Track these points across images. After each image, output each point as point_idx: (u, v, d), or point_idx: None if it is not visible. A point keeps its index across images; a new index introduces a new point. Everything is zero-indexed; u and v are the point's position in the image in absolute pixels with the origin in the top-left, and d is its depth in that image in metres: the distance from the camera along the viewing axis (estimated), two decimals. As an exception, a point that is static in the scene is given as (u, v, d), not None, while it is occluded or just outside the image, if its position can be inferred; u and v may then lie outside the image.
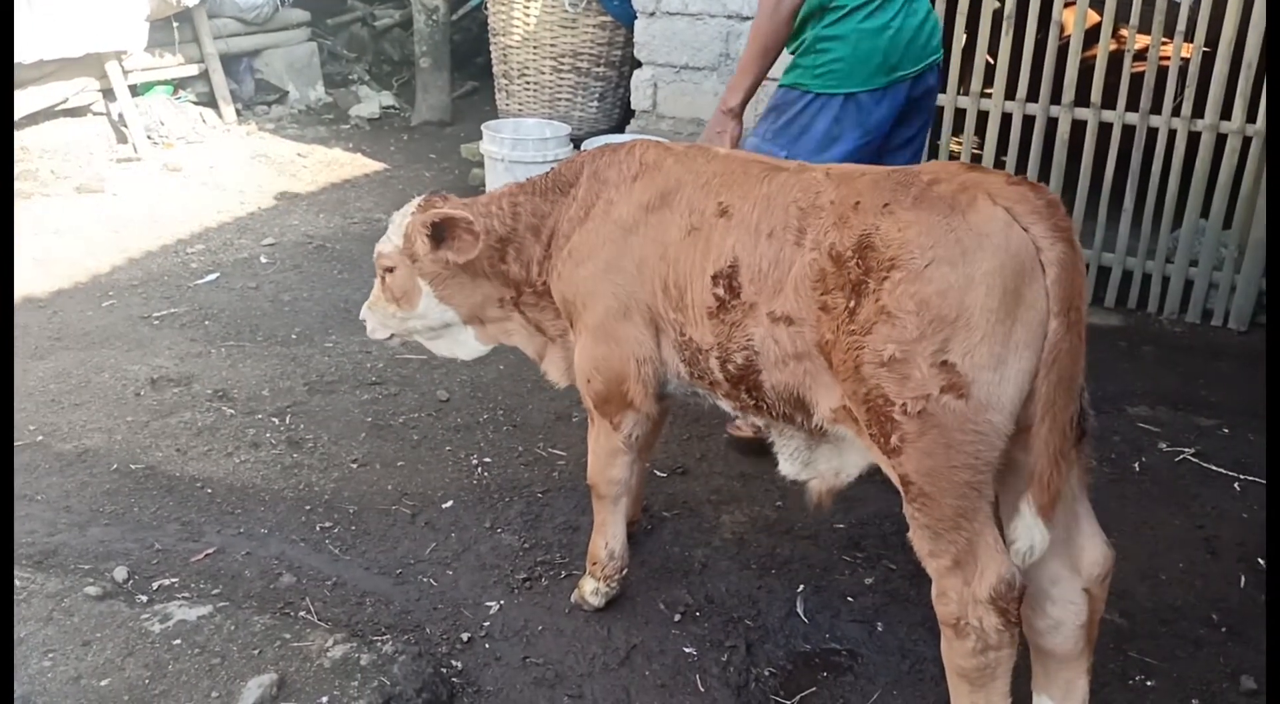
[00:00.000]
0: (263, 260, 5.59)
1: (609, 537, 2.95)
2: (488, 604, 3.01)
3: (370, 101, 8.70)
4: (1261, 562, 3.24)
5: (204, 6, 7.69)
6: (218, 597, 2.97)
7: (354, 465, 3.71)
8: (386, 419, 4.02)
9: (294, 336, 4.71)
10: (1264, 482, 3.65)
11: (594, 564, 2.97)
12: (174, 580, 3.05)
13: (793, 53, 3.50)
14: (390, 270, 2.96)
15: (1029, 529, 2.15)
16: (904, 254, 2.11)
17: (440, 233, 2.81)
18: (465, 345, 3.12)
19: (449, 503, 3.50)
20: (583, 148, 2.96)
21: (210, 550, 3.20)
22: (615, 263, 2.63)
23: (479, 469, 3.70)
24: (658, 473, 3.65)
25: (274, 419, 3.99)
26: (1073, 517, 2.35)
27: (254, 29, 8.23)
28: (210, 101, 7.93)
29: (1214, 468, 3.75)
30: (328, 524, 3.37)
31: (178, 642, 2.69)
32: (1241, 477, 3.69)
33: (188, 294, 5.13)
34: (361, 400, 4.15)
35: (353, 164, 7.38)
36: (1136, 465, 3.77)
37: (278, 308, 5.01)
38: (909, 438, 2.14)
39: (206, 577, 3.08)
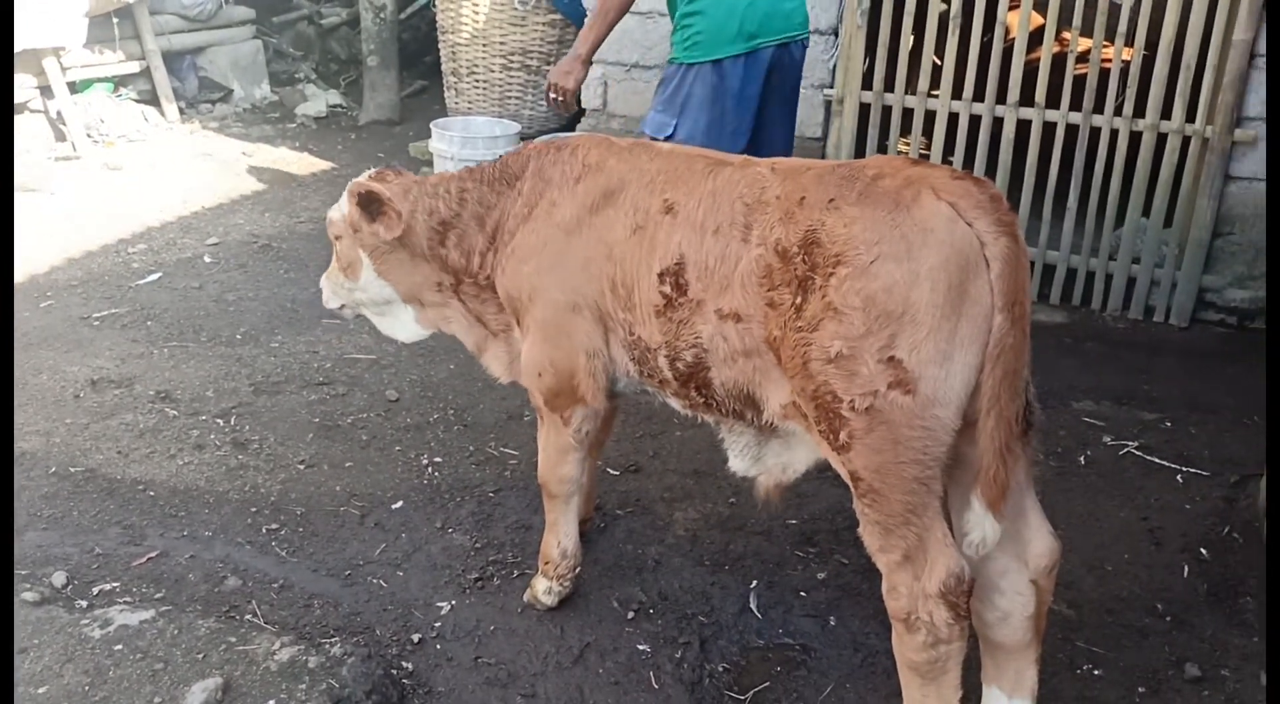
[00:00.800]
0: (206, 260, 5.49)
1: (561, 535, 2.92)
2: (439, 605, 2.97)
3: (317, 100, 8.59)
4: (1204, 552, 3.30)
5: (145, 3, 7.54)
6: (160, 601, 2.91)
7: (301, 466, 3.65)
8: (334, 419, 3.96)
9: (239, 337, 4.62)
10: (1206, 473, 3.72)
11: (546, 563, 2.95)
12: (115, 585, 2.98)
13: (672, 33, 3.89)
14: (338, 238, 2.97)
15: (980, 522, 2.17)
16: (850, 250, 2.11)
17: (368, 206, 2.82)
18: (406, 326, 3.10)
19: (399, 503, 3.45)
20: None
21: (153, 554, 3.13)
22: (560, 262, 2.62)
23: (429, 469, 3.66)
24: (610, 471, 3.64)
25: (218, 420, 3.92)
26: (1020, 510, 2.37)
27: (197, 26, 8.09)
28: (152, 99, 7.78)
29: (1157, 460, 3.82)
30: (274, 526, 3.31)
31: (119, 647, 2.63)
32: (1184, 469, 3.76)
33: (129, 294, 5.02)
34: (309, 401, 4.09)
35: (299, 163, 7.28)
36: (1082, 459, 3.83)
37: (222, 308, 4.92)
38: (857, 434, 2.14)
39: (149, 581, 3.01)
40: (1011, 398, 2.12)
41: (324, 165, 7.27)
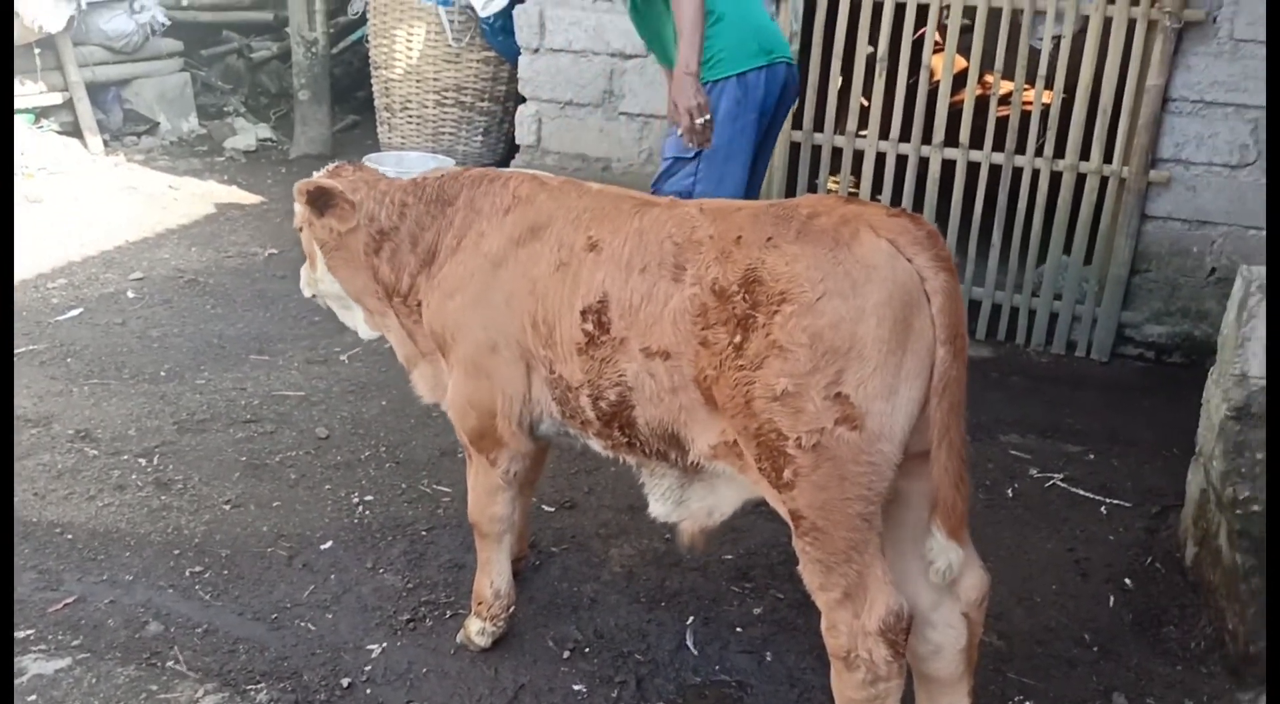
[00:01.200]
0: (130, 295, 5.37)
1: (494, 575, 2.89)
2: (369, 647, 2.91)
3: (246, 133, 8.48)
4: (1128, 582, 3.37)
5: (68, 33, 7.40)
6: (78, 648, 2.80)
7: (227, 507, 3.56)
8: (262, 458, 3.88)
9: (163, 374, 4.52)
10: (1128, 505, 3.81)
11: (479, 604, 2.90)
12: (30, 632, 2.87)
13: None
14: (299, 230, 3.01)
15: (944, 550, 2.19)
16: (794, 287, 2.12)
17: (318, 200, 2.82)
18: (361, 323, 3.10)
19: (328, 543, 3.38)
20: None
21: (70, 599, 3.02)
22: (484, 296, 2.59)
23: (360, 508, 3.60)
24: (545, 507, 3.61)
25: (140, 460, 3.81)
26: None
27: (123, 58, 7.96)
28: (75, 131, 7.62)
29: (1081, 492, 3.90)
30: (198, 569, 3.22)
31: (33, 698, 2.53)
32: (1107, 501, 3.84)
33: (48, 331, 4.88)
34: (235, 439, 4.00)
35: (227, 196, 7.16)
36: (1009, 491, 3.90)
37: (145, 344, 4.81)
38: (803, 472, 2.14)
39: (66, 627, 2.90)
40: (959, 429, 2.16)
41: (253, 199, 7.16)
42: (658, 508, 2.57)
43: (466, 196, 2.71)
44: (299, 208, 2.94)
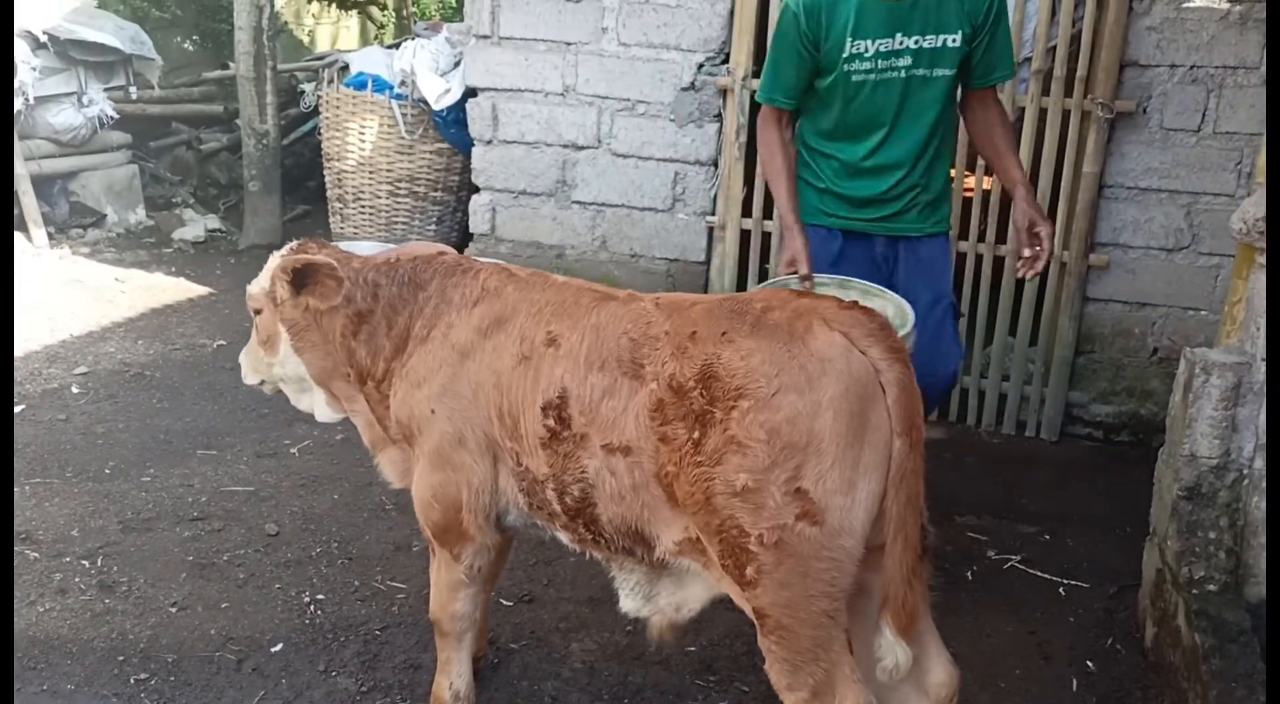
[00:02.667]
0: (74, 390, 5.26)
1: (454, 676, 2.81)
2: (323, 755, 2.81)
3: (195, 225, 8.44)
4: (1090, 664, 3.37)
5: (14, 127, 7.36)
6: (13, 766, 2.67)
7: (173, 609, 3.45)
8: (210, 557, 3.77)
9: (108, 471, 4.40)
10: (1086, 585, 3.83)
11: (438, 705, 2.82)
12: (-39, 750, 2.73)
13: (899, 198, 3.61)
14: (258, 312, 2.90)
15: (891, 648, 2.17)
16: (750, 383, 2.12)
17: (302, 278, 2.73)
18: (319, 407, 2.99)
19: (279, 646, 3.28)
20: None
21: (6, 713, 2.89)
22: (451, 387, 2.57)
23: (311, 607, 3.50)
24: (503, 601, 3.54)
25: (84, 561, 3.69)
26: (917, 637, 2.39)
27: (69, 151, 7.92)
28: (20, 224, 7.52)
29: (1040, 573, 3.91)
30: (143, 676, 3.10)
31: (-36, 822, 2.39)
32: (1065, 581, 3.86)
33: (-13, 428, 4.75)
34: (182, 538, 3.89)
35: (175, 288, 7.09)
36: (969, 574, 3.90)
37: (90, 441, 4.69)
38: (765, 569, 2.13)
39: (0, 743, 2.77)
40: (916, 522, 2.15)
41: (201, 290, 7.10)
42: (627, 603, 2.55)
43: (439, 285, 2.68)
44: (265, 285, 2.84)
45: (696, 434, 2.17)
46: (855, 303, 2.30)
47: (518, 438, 2.48)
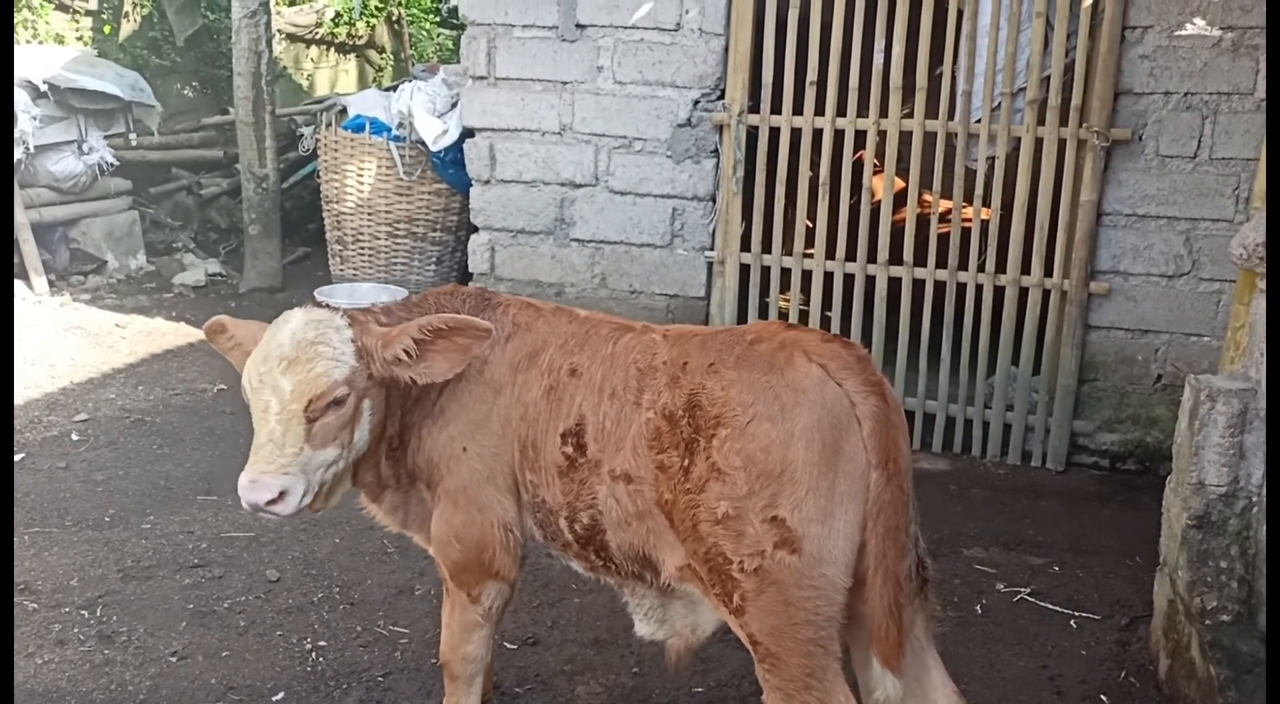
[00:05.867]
0: (74, 438, 5.23)
1: (460, 720, 2.77)
2: (325, 806, 2.76)
3: (195, 269, 8.45)
4: (1104, 698, 3.31)
5: (15, 175, 7.40)
6: (10, 823, 2.62)
7: (173, 659, 3.41)
8: (210, 605, 3.74)
9: (107, 519, 4.37)
10: (1097, 617, 3.78)
11: (443, 753, 2.78)
12: (-43, 808, 2.68)
13: None
14: (340, 401, 2.42)
15: (880, 680, 2.18)
16: (728, 411, 2.18)
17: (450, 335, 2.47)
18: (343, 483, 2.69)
19: (280, 694, 3.23)
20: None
21: (3, 769, 2.84)
22: (484, 424, 2.57)
23: (313, 654, 3.46)
24: (507, 644, 3.49)
25: (83, 611, 3.65)
26: (923, 668, 2.37)
27: (70, 198, 7.95)
28: (20, 272, 7.54)
29: (1050, 606, 3.86)
30: (143, 728, 3.06)
31: None
32: (1076, 613, 3.81)
33: (-13, 477, 4.72)
34: (182, 586, 3.86)
35: (175, 333, 7.09)
36: (978, 607, 3.85)
37: (89, 489, 4.66)
38: (749, 596, 2.15)
39: (-3, 800, 2.72)
40: (898, 554, 2.15)
41: (201, 335, 7.07)
42: (642, 628, 2.57)
43: None
44: (342, 373, 2.40)
45: (686, 462, 2.22)
46: (836, 336, 2.33)
47: (538, 469, 2.50)
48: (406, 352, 2.45)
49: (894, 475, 2.13)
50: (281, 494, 2.36)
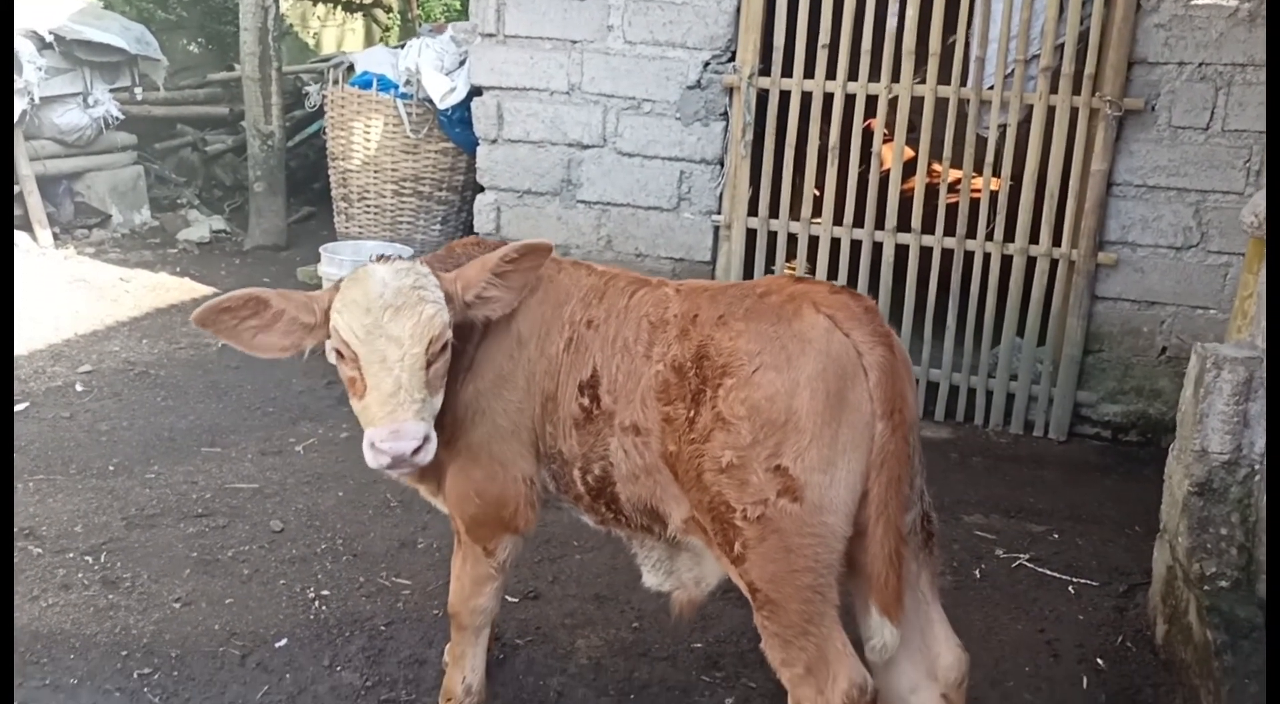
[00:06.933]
0: (78, 388, 5.25)
1: (467, 670, 2.80)
2: (327, 750, 2.79)
3: (200, 225, 8.44)
4: (1100, 662, 3.34)
5: (20, 127, 7.36)
6: (16, 759, 2.65)
7: (177, 605, 3.43)
8: (214, 553, 3.76)
9: (111, 468, 4.39)
10: (1095, 584, 3.80)
11: (448, 700, 2.81)
12: (-37, 744, 2.71)
13: None
14: (446, 347, 2.37)
15: (879, 629, 2.21)
16: (734, 361, 2.19)
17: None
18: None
19: (283, 641, 3.26)
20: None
21: (8, 707, 2.87)
22: (510, 378, 2.57)
23: (316, 603, 3.48)
24: (509, 598, 3.51)
25: (87, 557, 3.67)
26: (927, 621, 2.39)
27: (75, 151, 7.92)
28: (24, 224, 7.53)
29: (1049, 572, 3.88)
30: (146, 670, 3.08)
31: (-34, 814, 2.37)
32: (1075, 580, 3.83)
33: (-9, 425, 4.73)
34: (186, 534, 3.88)
35: (180, 288, 7.09)
36: (977, 572, 3.87)
37: (94, 438, 4.68)
38: (751, 543, 2.17)
39: (3, 737, 2.75)
40: (900, 505, 2.16)
41: (205, 290, 7.09)
42: (650, 578, 2.60)
43: None
44: (449, 315, 2.35)
45: (692, 413, 2.23)
46: (845, 287, 2.33)
47: (555, 421, 2.52)
48: (490, 286, 2.42)
49: (899, 426, 2.14)
50: (426, 440, 2.27)
